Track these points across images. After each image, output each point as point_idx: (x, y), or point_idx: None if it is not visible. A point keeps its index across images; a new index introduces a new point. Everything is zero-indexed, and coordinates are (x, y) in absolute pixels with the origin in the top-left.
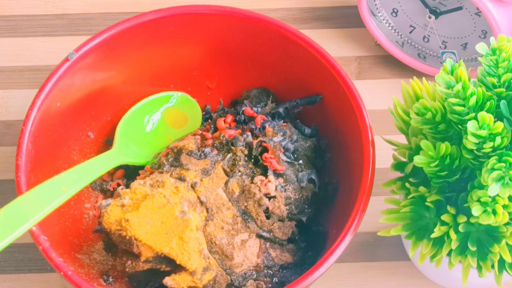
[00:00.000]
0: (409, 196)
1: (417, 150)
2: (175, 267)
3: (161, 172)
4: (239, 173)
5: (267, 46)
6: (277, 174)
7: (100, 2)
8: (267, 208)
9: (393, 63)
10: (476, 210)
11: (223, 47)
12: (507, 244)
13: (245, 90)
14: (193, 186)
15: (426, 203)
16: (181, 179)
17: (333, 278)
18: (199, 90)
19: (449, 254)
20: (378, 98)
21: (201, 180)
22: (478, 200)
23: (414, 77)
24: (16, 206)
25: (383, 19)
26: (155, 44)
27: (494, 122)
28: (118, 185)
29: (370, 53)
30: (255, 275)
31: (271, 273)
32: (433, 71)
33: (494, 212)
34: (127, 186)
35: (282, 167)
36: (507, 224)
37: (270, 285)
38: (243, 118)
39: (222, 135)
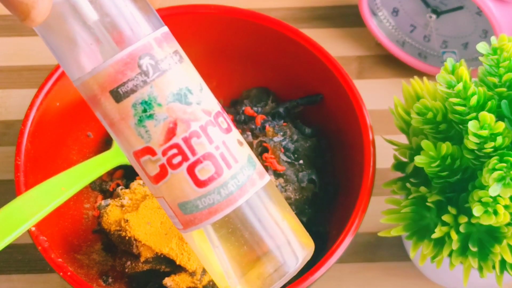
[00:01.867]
0: (410, 197)
1: (418, 150)
2: (175, 268)
3: None
4: None
5: (267, 45)
6: (278, 174)
7: None
8: None
9: (394, 63)
10: (477, 210)
11: (223, 47)
12: (508, 244)
13: (245, 90)
14: None
15: (427, 204)
16: None
17: (333, 279)
18: None
19: (450, 254)
20: (379, 97)
21: None
22: (479, 201)
23: (415, 77)
24: (15, 207)
25: (384, 19)
26: None
27: (495, 122)
28: (118, 185)
29: (371, 52)
30: None
31: None
32: (434, 71)
33: (495, 213)
34: (127, 186)
35: (282, 167)
36: (508, 224)
37: None
38: (243, 118)
39: None
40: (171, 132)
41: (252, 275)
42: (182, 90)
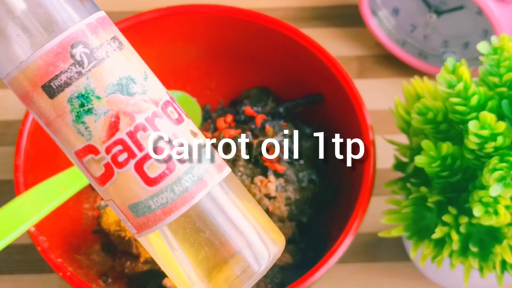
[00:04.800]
0: (410, 197)
1: (418, 150)
2: None
3: None
4: (239, 173)
5: (267, 45)
6: (278, 174)
7: (99, 1)
8: (267, 209)
9: (394, 63)
10: (477, 210)
11: (223, 47)
12: (508, 244)
13: (245, 89)
14: None
15: (427, 204)
16: None
17: (333, 279)
18: (199, 90)
19: (450, 255)
20: (379, 97)
21: None
22: (480, 201)
23: (415, 77)
24: (15, 207)
25: (384, 18)
26: (155, 43)
27: (496, 122)
28: None
29: (371, 52)
30: None
31: (271, 274)
32: (434, 71)
33: (496, 213)
34: None
35: (282, 167)
36: (508, 224)
37: (270, 286)
38: (243, 118)
39: (222, 134)
40: (113, 127)
41: (218, 278)
42: (123, 80)
